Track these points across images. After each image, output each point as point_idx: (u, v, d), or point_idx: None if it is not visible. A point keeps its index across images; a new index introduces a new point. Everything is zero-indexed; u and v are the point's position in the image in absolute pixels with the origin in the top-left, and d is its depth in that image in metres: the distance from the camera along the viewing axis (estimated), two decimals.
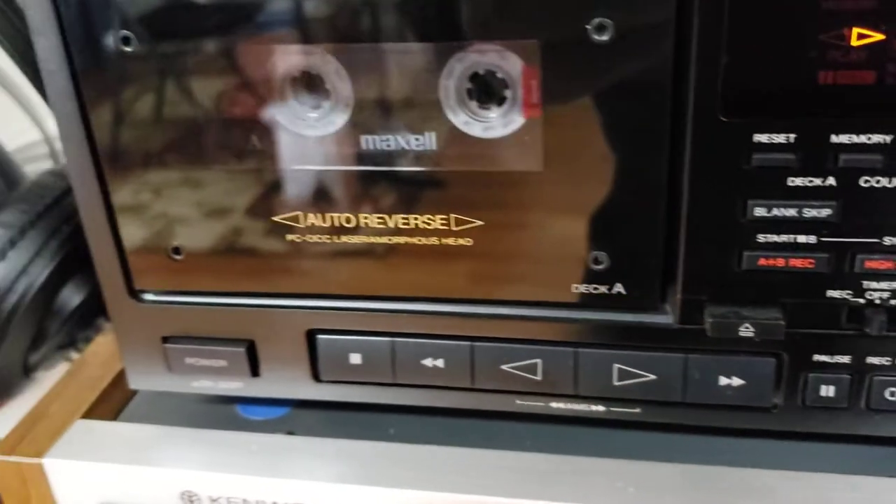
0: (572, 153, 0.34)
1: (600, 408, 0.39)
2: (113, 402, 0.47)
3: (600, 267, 0.36)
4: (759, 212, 0.33)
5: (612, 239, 0.35)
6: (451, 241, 0.36)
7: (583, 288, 0.37)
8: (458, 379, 0.39)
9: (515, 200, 0.35)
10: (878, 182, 0.32)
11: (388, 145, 0.35)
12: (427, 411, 0.41)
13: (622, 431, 0.41)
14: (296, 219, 0.37)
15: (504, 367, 0.38)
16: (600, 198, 0.34)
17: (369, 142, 0.35)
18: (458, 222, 0.36)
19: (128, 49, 0.36)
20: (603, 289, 0.37)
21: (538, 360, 0.38)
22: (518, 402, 0.39)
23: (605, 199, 0.34)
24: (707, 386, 0.37)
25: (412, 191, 0.36)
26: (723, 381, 0.37)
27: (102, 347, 0.51)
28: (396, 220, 0.37)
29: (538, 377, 0.38)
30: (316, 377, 0.41)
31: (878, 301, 0.34)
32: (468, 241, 0.36)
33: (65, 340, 0.59)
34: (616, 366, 0.37)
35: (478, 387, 0.39)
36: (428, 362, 0.39)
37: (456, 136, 0.34)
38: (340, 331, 0.39)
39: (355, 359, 0.40)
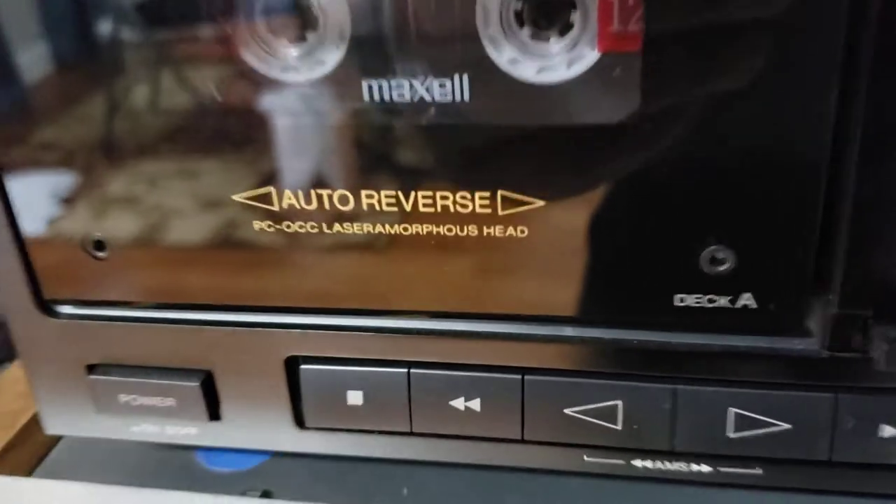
0: (678, 102, 0.25)
1: (705, 468, 0.31)
2: (33, 447, 0.40)
3: (721, 269, 0.27)
4: None
5: (741, 229, 0.26)
6: (496, 230, 0.28)
7: (691, 299, 0.28)
8: (501, 427, 0.32)
9: (590, 170, 0.27)
10: None
11: (402, 95, 0.27)
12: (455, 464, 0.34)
13: (725, 491, 0.33)
14: (267, 198, 0.29)
15: (569, 410, 0.31)
16: (723, 168, 0.26)
17: (374, 89, 0.27)
18: (508, 203, 0.27)
19: None
20: (723, 300, 0.27)
21: (618, 402, 0.30)
22: (587, 458, 0.32)
23: (732, 170, 0.26)
24: (864, 438, 0.29)
25: (438, 159, 0.28)
26: (887, 431, 0.29)
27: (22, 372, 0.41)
28: (416, 200, 0.28)
29: (617, 425, 0.30)
30: (299, 422, 0.34)
31: None
32: (521, 231, 0.28)
33: None
34: (733, 410, 0.29)
35: (530, 438, 0.32)
36: (458, 404, 0.31)
37: (498, 81, 0.26)
38: (334, 359, 0.32)
39: (355, 397, 0.32)
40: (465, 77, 0.26)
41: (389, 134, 0.28)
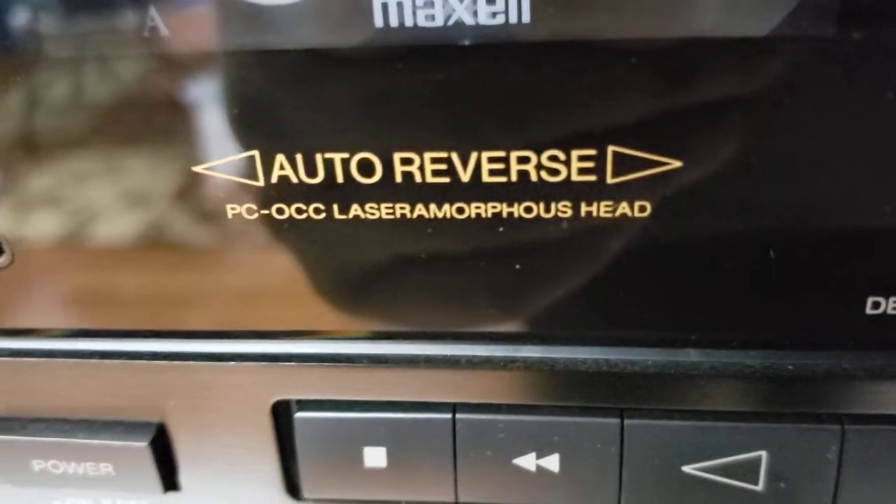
0: None
1: None
2: None
3: None
4: None
5: None
6: (601, 208, 0.20)
7: (892, 304, 0.20)
8: (590, 493, 0.24)
9: (747, 110, 0.19)
10: None
11: (432, 18, 0.21)
12: None
13: None
14: (249, 168, 0.21)
15: (689, 467, 0.23)
16: None
17: (391, 13, 0.21)
18: (623, 165, 0.20)
19: None
20: None
21: (762, 453, 0.22)
22: None
23: None
24: None
25: (507, 101, 0.20)
26: None
27: None
28: (477, 165, 0.20)
29: (759, 486, 0.23)
30: (292, 491, 0.27)
31: None
32: (641, 209, 0.20)
33: None
34: None
35: None
36: (527, 462, 0.24)
37: None
38: (343, 403, 0.25)
39: (375, 456, 0.25)
40: None
41: (422, 73, 0.20)
